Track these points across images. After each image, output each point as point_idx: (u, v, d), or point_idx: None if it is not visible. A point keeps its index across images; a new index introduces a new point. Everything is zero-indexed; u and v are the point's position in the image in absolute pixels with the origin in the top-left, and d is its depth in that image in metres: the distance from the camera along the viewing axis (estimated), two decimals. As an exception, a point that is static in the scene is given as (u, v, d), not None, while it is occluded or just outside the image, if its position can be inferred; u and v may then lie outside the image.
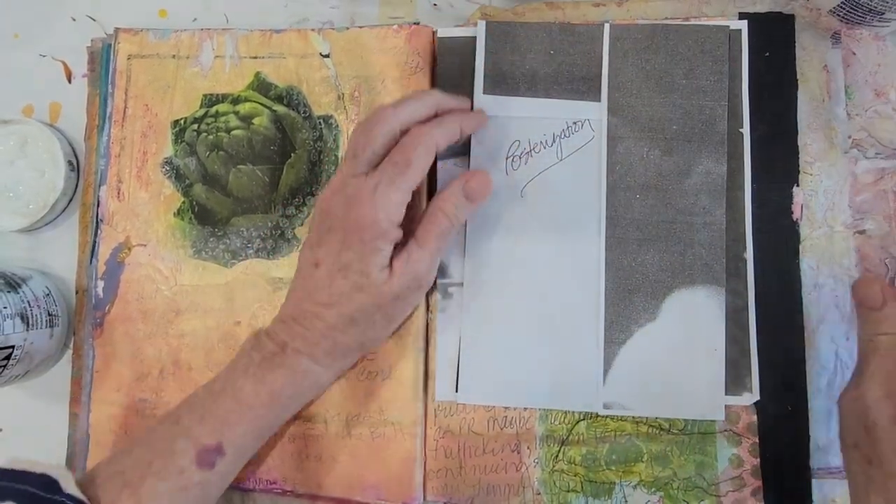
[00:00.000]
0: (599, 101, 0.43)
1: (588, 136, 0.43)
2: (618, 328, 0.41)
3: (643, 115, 0.42)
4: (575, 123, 0.43)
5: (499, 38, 0.43)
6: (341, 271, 0.36)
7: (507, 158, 0.43)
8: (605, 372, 0.41)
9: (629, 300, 0.41)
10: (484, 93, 0.43)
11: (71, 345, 0.46)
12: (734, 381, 0.41)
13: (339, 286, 0.36)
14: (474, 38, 0.44)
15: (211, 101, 0.46)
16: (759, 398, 0.40)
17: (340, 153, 0.44)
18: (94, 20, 0.49)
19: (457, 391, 0.42)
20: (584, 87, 0.43)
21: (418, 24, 0.45)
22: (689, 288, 0.41)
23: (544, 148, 0.43)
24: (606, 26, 0.43)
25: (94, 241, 0.45)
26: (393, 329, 0.40)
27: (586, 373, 0.41)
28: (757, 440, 0.40)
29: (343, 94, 0.45)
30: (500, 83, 0.43)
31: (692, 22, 0.43)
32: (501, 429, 0.42)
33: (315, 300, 0.37)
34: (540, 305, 0.42)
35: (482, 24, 0.43)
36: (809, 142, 0.42)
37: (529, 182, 0.43)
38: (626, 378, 0.41)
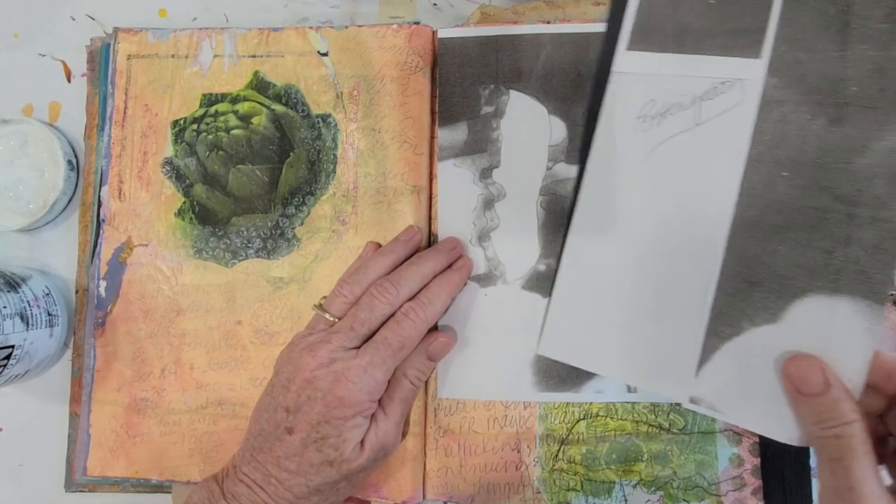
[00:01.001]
0: (759, 56, 0.37)
1: (736, 98, 0.37)
2: (725, 321, 0.37)
3: (813, 72, 0.36)
4: (723, 84, 0.37)
5: None
6: (316, 443, 0.36)
7: (638, 118, 0.39)
8: (701, 363, 0.37)
9: (747, 293, 0.36)
10: (628, 48, 0.39)
11: (71, 344, 0.46)
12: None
13: (310, 457, 0.36)
14: (475, 38, 0.43)
15: (210, 100, 0.46)
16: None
17: (339, 152, 0.44)
18: (93, 20, 0.49)
19: (538, 345, 0.40)
20: (744, 41, 0.37)
21: (418, 23, 0.45)
22: (831, 297, 0.34)
23: (681, 110, 0.38)
24: None
25: (96, 242, 0.45)
26: (354, 492, 0.39)
27: (679, 359, 0.37)
28: (758, 439, 0.40)
29: (342, 92, 0.45)
30: (647, 37, 0.39)
31: None
32: (501, 428, 0.42)
33: (282, 466, 0.36)
34: (646, 277, 0.38)
35: None
36: None
37: (659, 146, 0.38)
38: (724, 377, 0.36)
